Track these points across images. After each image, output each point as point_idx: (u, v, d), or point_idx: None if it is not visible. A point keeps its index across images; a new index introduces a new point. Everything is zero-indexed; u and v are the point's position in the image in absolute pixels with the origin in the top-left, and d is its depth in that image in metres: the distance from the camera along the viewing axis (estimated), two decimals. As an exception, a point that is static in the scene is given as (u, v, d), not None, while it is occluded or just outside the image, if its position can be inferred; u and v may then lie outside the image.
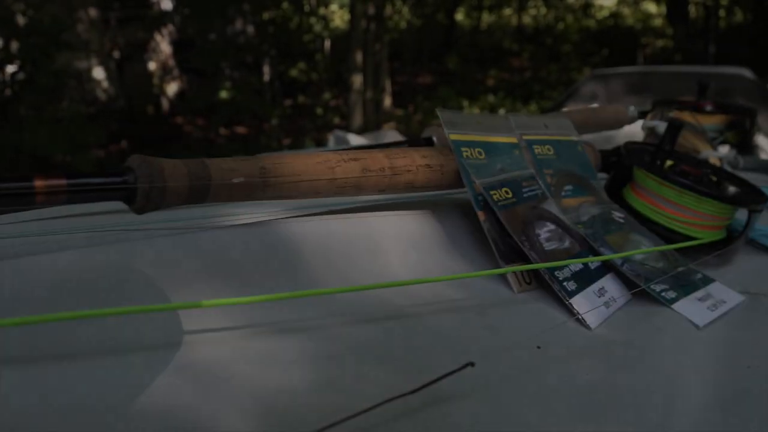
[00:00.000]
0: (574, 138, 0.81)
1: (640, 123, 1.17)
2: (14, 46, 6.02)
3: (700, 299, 0.65)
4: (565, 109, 1.37)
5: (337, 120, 9.06)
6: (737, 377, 0.53)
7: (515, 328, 0.53)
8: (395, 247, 0.58)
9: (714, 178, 0.81)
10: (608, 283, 0.64)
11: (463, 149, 0.65)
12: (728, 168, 1.03)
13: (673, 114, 0.98)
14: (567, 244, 0.66)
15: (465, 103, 9.37)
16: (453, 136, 0.64)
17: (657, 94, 3.20)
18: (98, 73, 9.84)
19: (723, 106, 1.22)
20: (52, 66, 6.19)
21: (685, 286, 0.66)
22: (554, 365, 0.48)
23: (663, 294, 0.64)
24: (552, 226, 0.67)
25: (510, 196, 0.65)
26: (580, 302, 0.59)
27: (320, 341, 0.45)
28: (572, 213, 0.72)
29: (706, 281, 0.69)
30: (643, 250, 0.68)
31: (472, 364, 0.39)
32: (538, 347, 0.50)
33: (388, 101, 9.66)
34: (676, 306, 0.62)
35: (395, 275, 0.56)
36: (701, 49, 9.43)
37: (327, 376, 0.41)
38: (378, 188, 0.57)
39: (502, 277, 0.61)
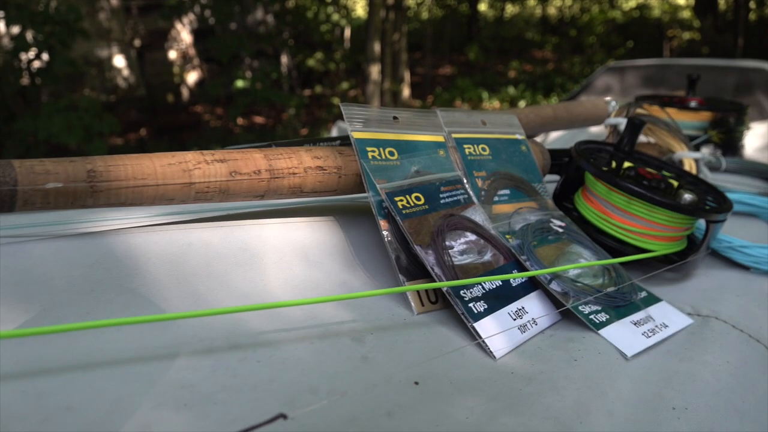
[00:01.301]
0: (519, 136, 0.73)
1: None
2: (30, 34, 6.03)
3: (636, 323, 0.57)
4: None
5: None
6: (655, 421, 0.45)
7: (397, 358, 0.46)
8: (276, 260, 0.52)
9: (675, 183, 0.73)
10: (531, 304, 0.57)
11: (369, 149, 0.57)
12: (706, 170, 0.94)
13: (645, 110, 0.90)
14: (488, 257, 0.59)
15: (485, 95, 9.24)
16: (357, 135, 0.57)
17: (673, 88, 3.07)
18: (119, 61, 9.89)
19: (709, 103, 1.13)
20: (69, 54, 6.20)
21: (622, 307, 0.59)
22: (426, 405, 0.41)
23: (592, 317, 0.56)
24: (471, 237, 0.59)
25: (421, 202, 0.58)
26: (487, 326, 0.51)
27: (160, 373, 0.39)
28: (503, 221, 0.64)
29: (650, 301, 0.62)
30: (577, 264, 0.60)
31: (284, 417, 0.32)
32: (416, 383, 0.43)
33: (406, 92, 9.56)
34: (604, 331, 0.55)
35: (271, 293, 0.49)
36: (730, 42, 9.17)
37: (145, 420, 0.35)
38: (254, 193, 0.50)
39: (403, 296, 0.54)
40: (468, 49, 11.07)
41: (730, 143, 1.04)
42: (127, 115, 9.41)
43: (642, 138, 0.96)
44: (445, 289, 0.52)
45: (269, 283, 0.50)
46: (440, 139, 0.65)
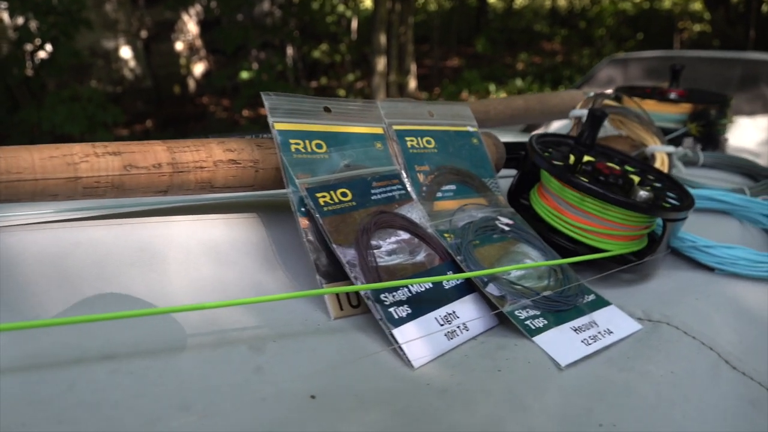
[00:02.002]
0: (470, 128, 0.70)
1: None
2: (33, 24, 6.03)
3: (577, 329, 0.53)
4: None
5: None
6: (578, 439, 0.42)
7: (297, 368, 0.42)
8: (181, 260, 0.48)
9: (636, 179, 0.69)
10: (464, 308, 0.53)
11: (293, 141, 0.54)
12: (680, 165, 0.90)
13: (613, 102, 0.85)
14: (420, 257, 0.55)
15: (492, 87, 9.16)
16: (279, 126, 0.53)
17: (677, 80, 3.00)
18: (125, 52, 9.88)
19: (691, 95, 1.08)
20: (73, 45, 6.19)
21: (564, 312, 0.55)
22: (317, 421, 0.38)
23: (528, 322, 0.52)
24: (404, 236, 0.55)
25: (348, 198, 0.54)
26: (408, 332, 0.48)
27: (9, 388, 0.35)
28: (445, 218, 0.60)
29: (598, 305, 0.58)
30: (516, 266, 0.57)
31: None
32: (312, 396, 0.40)
33: (413, 84, 9.50)
34: (539, 338, 0.51)
35: (170, 296, 0.46)
36: (741, 35, 9.03)
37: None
38: (154, 188, 0.46)
39: (322, 300, 0.50)
40: (476, 41, 10.98)
41: (710, 137, 0.99)
42: (133, 106, 9.40)
43: (614, 131, 0.92)
44: (363, 292, 0.48)
45: (170, 285, 0.46)
46: (379, 131, 0.61)
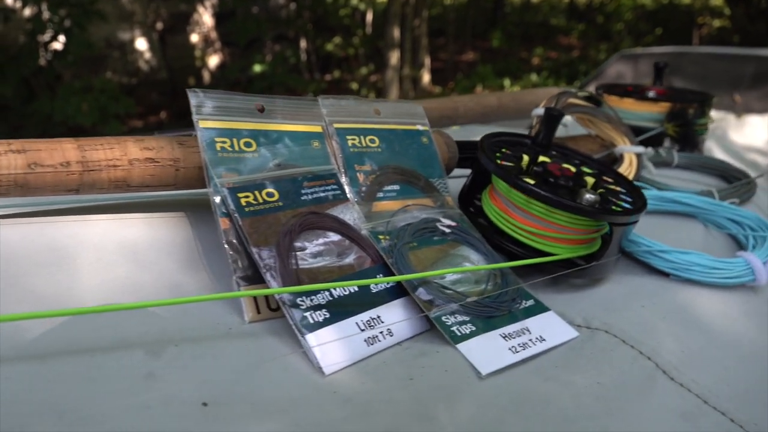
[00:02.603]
0: (420, 127, 0.68)
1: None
2: (46, 15, 6.07)
3: (506, 336, 0.52)
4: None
5: (372, 96, 8.92)
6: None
7: (194, 375, 0.41)
8: (94, 261, 0.47)
9: (591, 181, 0.67)
10: (391, 312, 0.52)
11: (219, 140, 0.53)
12: (650, 166, 0.87)
13: (579, 100, 0.83)
14: (349, 260, 0.54)
15: (506, 82, 9.10)
16: (205, 123, 0.52)
17: (688, 77, 2.95)
18: (141, 44, 9.93)
19: (672, 93, 1.06)
20: (86, 36, 6.23)
21: (496, 318, 0.53)
22: (204, 431, 0.37)
23: (454, 329, 0.51)
24: (334, 237, 0.54)
25: (275, 198, 0.53)
26: (322, 337, 0.46)
27: None
28: (384, 219, 0.59)
29: (534, 311, 0.56)
30: (447, 270, 0.55)
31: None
32: (204, 404, 0.39)
33: (426, 78, 9.46)
34: (463, 345, 0.50)
35: (78, 298, 0.45)
36: (762, 31, 8.87)
37: None
38: (63, 187, 0.46)
39: (239, 303, 0.49)
40: (492, 35, 10.90)
41: (687, 137, 0.97)
42: (147, 97, 9.46)
43: (583, 130, 0.90)
44: (279, 296, 0.47)
45: (79, 286, 0.46)
46: (317, 129, 0.60)
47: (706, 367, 0.55)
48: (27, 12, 6.59)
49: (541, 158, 0.69)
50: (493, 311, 0.54)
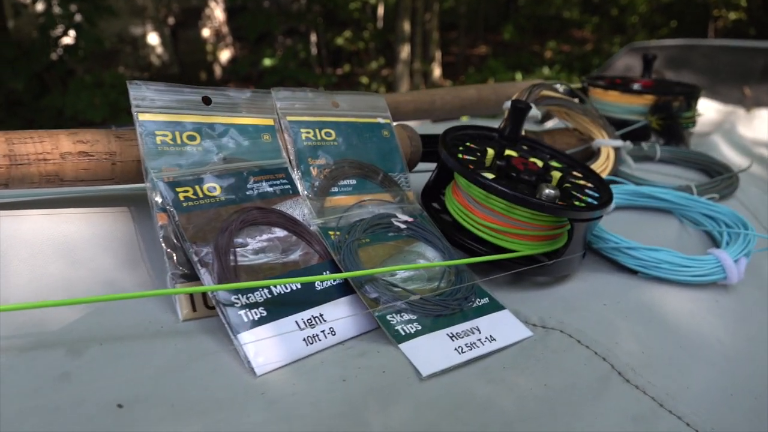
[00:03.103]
0: (381, 120, 0.66)
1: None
2: (57, 10, 6.10)
3: (454, 336, 0.50)
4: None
5: (382, 90, 8.90)
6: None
7: (114, 375, 0.40)
8: (25, 257, 0.46)
9: (557, 175, 0.65)
10: (335, 310, 0.50)
11: (159, 133, 0.51)
12: (629, 160, 0.85)
13: (553, 92, 0.81)
14: (295, 256, 0.52)
15: (518, 75, 9.03)
16: (144, 116, 0.51)
17: (698, 70, 2.91)
18: (153, 39, 9.97)
19: (655, 86, 1.03)
20: (95, 32, 6.26)
21: (445, 316, 0.52)
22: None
23: (399, 328, 0.49)
24: (280, 233, 0.53)
25: (216, 193, 0.51)
26: (257, 336, 0.45)
27: None
28: (336, 214, 0.57)
29: (488, 309, 0.54)
30: (393, 267, 0.53)
31: None
32: (120, 406, 0.38)
33: (437, 72, 9.41)
34: (405, 345, 0.48)
35: (6, 295, 0.44)
36: (779, 22, 8.74)
37: None
38: (-11, 181, 0.44)
39: (174, 301, 0.48)
40: (503, 29, 10.82)
41: (671, 130, 0.94)
42: (159, 92, 9.48)
43: (560, 124, 0.87)
44: (212, 293, 0.46)
45: (8, 283, 0.45)
46: (268, 122, 0.58)
47: (666, 369, 0.53)
48: (39, 7, 6.64)
49: (508, 152, 0.67)
50: (442, 310, 0.52)
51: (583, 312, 0.57)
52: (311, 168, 0.59)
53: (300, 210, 0.55)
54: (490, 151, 0.66)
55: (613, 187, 0.77)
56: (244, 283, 0.46)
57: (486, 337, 0.51)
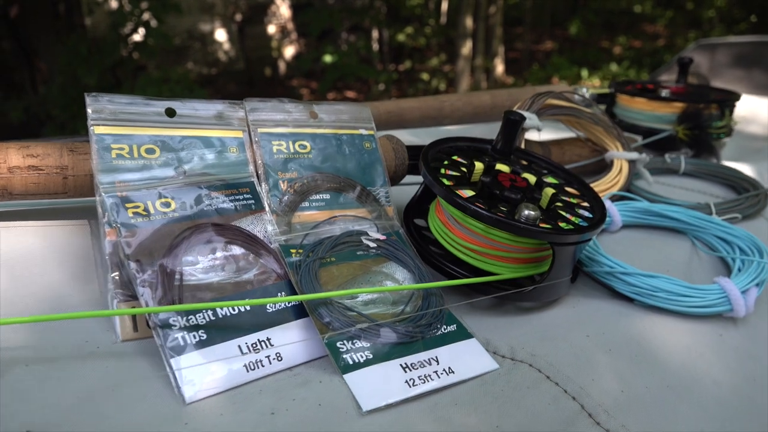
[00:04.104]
0: (363, 131, 0.64)
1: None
2: (128, 8, 6.32)
3: (408, 366, 0.47)
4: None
5: (443, 86, 8.83)
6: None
7: (29, 400, 0.39)
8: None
9: (550, 192, 0.61)
10: (286, 334, 0.48)
11: (116, 147, 0.50)
12: (646, 173, 0.79)
13: (560, 101, 0.76)
14: (249, 275, 0.50)
15: (584, 72, 8.78)
16: (100, 129, 0.50)
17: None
18: (220, 35, 10.22)
19: (687, 93, 0.96)
20: (162, 29, 6.45)
21: (402, 344, 0.49)
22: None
23: (347, 356, 0.47)
24: (237, 251, 0.51)
25: (171, 208, 0.50)
26: (193, 361, 0.43)
27: None
28: (303, 231, 0.55)
29: (453, 338, 0.51)
30: (349, 291, 0.51)
31: None
32: (28, 432, 0.37)
33: (500, 68, 9.26)
34: (350, 376, 0.45)
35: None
36: None
37: None
38: (-67, 195, 0.44)
39: (115, 319, 0.47)
40: (570, 24, 10.55)
41: (700, 141, 0.87)
42: (226, 87, 9.72)
43: (570, 133, 0.82)
44: (148, 315, 0.45)
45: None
46: (236, 134, 0.57)
47: (647, 412, 0.48)
48: (114, 4, 6.90)
49: (499, 167, 0.63)
50: (399, 337, 0.49)
51: (560, 343, 0.53)
52: (280, 182, 0.57)
53: (261, 227, 0.53)
54: (479, 166, 0.63)
55: (622, 204, 0.72)
56: (179, 306, 0.45)
57: (444, 369, 0.48)
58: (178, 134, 0.54)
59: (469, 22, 7.84)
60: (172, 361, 0.43)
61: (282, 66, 10.73)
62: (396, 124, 0.85)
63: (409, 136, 0.92)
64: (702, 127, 0.86)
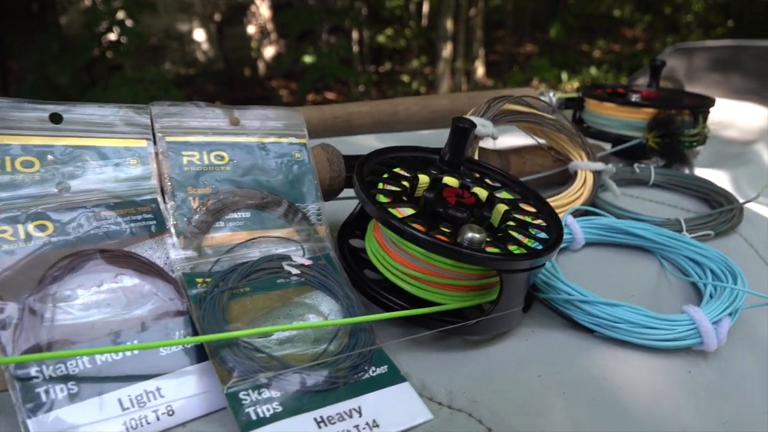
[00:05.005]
0: (294, 140, 0.56)
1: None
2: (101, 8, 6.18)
3: (323, 420, 0.40)
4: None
5: (423, 89, 8.78)
6: None
7: None
8: None
9: (502, 209, 0.54)
10: (182, 383, 0.41)
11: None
12: (612, 185, 0.73)
13: (521, 106, 0.69)
14: (142, 311, 0.43)
15: (564, 75, 8.78)
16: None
17: (748, 73, 2.70)
18: (199, 35, 10.08)
19: (660, 98, 0.90)
20: (137, 28, 6.33)
21: (322, 393, 0.42)
22: None
23: (250, 409, 0.39)
24: (127, 282, 0.43)
25: (47, 233, 0.42)
26: (54, 422, 0.36)
27: None
28: (215, 256, 0.48)
29: (383, 382, 0.44)
30: (268, 328, 0.44)
31: None
32: None
33: (480, 71, 9.23)
34: (251, 435, 0.38)
35: None
36: None
37: None
38: None
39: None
40: (550, 27, 10.56)
41: (671, 150, 0.81)
42: (204, 88, 9.60)
43: (532, 141, 0.76)
44: (5, 366, 0.37)
45: None
46: (138, 143, 0.49)
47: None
48: (87, 2, 6.76)
49: (446, 180, 0.56)
50: (318, 384, 0.42)
51: (508, 385, 0.46)
52: (190, 199, 0.49)
53: (163, 252, 0.46)
54: (423, 179, 0.56)
55: (585, 221, 0.65)
56: (39, 355, 0.37)
57: (367, 423, 0.41)
58: (63, 144, 0.46)
59: (449, 24, 7.80)
60: (29, 422, 0.35)
61: (261, 66, 10.62)
62: (344, 131, 0.78)
63: (360, 144, 0.85)
64: (673, 134, 0.80)
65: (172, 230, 0.47)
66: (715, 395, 0.50)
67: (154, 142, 0.50)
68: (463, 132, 0.56)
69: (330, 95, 9.19)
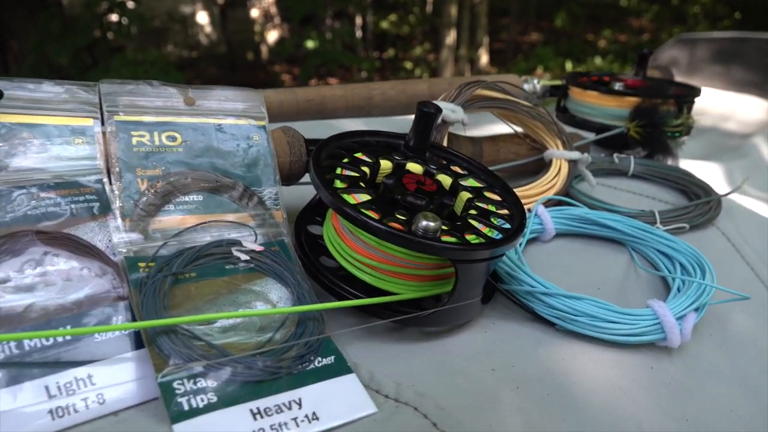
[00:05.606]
0: (252, 122, 0.55)
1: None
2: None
3: (259, 412, 0.39)
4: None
5: (426, 75, 8.73)
6: None
7: None
8: None
9: (464, 198, 0.52)
10: (115, 371, 0.40)
11: None
12: (588, 175, 0.71)
13: (490, 91, 0.67)
14: (79, 295, 0.42)
15: (568, 65, 8.72)
16: None
17: (751, 65, 2.66)
18: (202, 18, 10.02)
19: (645, 87, 0.87)
20: (138, 10, 6.28)
21: (261, 383, 0.40)
22: None
23: (183, 399, 0.38)
24: (64, 265, 0.42)
25: (-20, 213, 0.41)
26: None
27: None
28: (161, 240, 0.46)
29: (329, 373, 0.43)
30: (196, 317, 0.42)
31: None
32: None
33: (484, 59, 9.17)
34: (181, 426, 0.37)
35: None
36: None
37: None
38: None
39: None
40: (555, 16, 10.48)
41: (653, 140, 0.79)
42: (207, 71, 9.55)
43: (507, 128, 0.74)
44: (-74, 347, 0.36)
45: None
46: (84, 122, 0.47)
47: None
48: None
49: (410, 166, 0.55)
50: (256, 374, 0.41)
51: (459, 378, 0.45)
52: (138, 180, 0.48)
53: (104, 235, 0.44)
54: (385, 165, 0.54)
55: (556, 211, 0.64)
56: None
57: (306, 415, 0.39)
58: (4, 121, 0.44)
59: (453, 11, 7.74)
60: (-53, 408, 0.34)
61: (264, 50, 10.56)
62: (317, 114, 0.76)
63: (339, 129, 0.83)
64: (656, 124, 0.78)
65: (117, 213, 0.46)
66: (678, 392, 0.48)
67: (102, 122, 0.48)
68: (428, 117, 0.54)
69: (333, 81, 9.14)
